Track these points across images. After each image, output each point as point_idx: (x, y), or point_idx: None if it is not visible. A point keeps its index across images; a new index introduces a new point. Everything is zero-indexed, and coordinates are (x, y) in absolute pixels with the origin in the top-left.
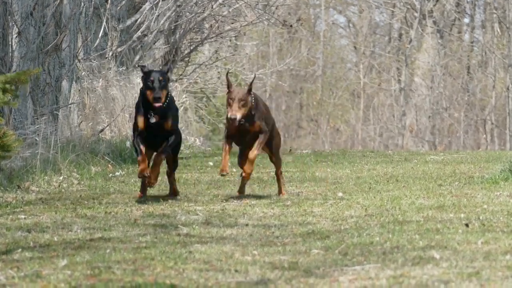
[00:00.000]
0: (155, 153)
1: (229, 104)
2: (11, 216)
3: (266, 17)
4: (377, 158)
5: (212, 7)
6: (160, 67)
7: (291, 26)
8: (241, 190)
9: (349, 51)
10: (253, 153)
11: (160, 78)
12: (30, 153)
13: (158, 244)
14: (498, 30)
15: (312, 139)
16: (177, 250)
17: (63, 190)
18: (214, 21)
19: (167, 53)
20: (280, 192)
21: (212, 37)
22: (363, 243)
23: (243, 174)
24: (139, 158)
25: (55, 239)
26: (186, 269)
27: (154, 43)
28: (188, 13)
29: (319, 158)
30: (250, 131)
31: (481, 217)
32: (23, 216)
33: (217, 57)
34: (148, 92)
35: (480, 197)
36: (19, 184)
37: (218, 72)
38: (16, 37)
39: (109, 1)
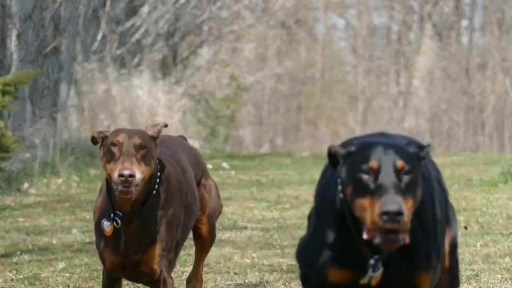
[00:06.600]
0: None
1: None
2: (10, 219)
3: (266, 19)
4: None
5: (211, 10)
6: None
7: (290, 27)
8: None
9: (348, 54)
10: None
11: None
12: (29, 155)
13: None
14: (497, 32)
15: (311, 142)
16: None
17: (62, 193)
18: (213, 23)
19: (166, 56)
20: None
21: (211, 40)
22: None
23: None
24: None
25: (54, 242)
26: (185, 271)
27: (153, 46)
28: (187, 16)
29: (318, 160)
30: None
31: (480, 220)
32: (22, 219)
33: (215, 60)
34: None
35: (479, 199)
36: (18, 187)
37: (217, 75)
38: (15, 39)
39: (107, 4)
